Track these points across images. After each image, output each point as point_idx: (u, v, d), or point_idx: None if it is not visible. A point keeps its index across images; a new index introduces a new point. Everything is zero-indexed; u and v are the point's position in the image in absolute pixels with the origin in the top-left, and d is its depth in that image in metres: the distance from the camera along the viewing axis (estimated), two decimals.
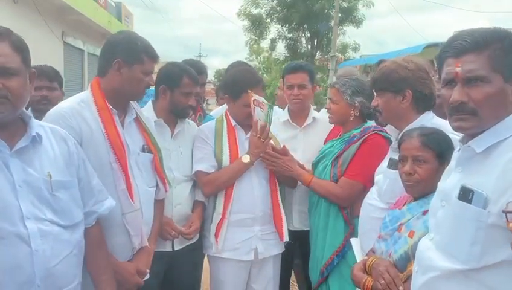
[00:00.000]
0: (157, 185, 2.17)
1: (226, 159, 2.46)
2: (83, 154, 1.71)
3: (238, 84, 2.46)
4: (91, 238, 1.69)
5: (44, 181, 1.49)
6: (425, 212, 1.65)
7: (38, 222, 1.43)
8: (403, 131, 1.92)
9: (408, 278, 1.59)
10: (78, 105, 1.93)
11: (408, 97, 1.97)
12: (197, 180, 2.50)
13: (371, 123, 2.48)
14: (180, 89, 2.39)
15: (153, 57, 2.03)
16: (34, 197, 1.45)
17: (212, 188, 2.46)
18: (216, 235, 2.43)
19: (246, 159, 2.41)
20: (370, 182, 2.27)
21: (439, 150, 1.70)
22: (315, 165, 2.59)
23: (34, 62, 3.01)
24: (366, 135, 2.38)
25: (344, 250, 2.35)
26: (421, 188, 1.74)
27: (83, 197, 1.64)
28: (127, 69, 1.96)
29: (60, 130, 1.67)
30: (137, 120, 2.11)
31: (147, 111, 2.35)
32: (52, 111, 1.91)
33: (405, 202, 1.81)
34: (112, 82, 1.98)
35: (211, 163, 2.46)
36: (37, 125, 1.55)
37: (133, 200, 1.94)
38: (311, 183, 2.47)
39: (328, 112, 2.57)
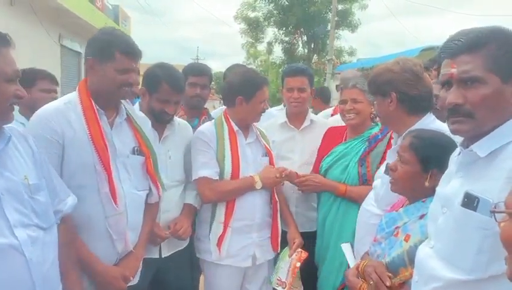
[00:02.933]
0: (150, 189, 2.08)
1: (228, 166, 2.40)
2: (42, 153, 1.60)
3: (251, 83, 2.44)
4: (58, 237, 1.57)
5: (23, 185, 1.41)
6: (422, 216, 1.63)
7: (26, 229, 1.37)
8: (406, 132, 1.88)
9: (404, 283, 1.56)
10: (64, 106, 1.87)
11: (393, 100, 1.94)
12: (199, 185, 2.41)
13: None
14: (157, 95, 2.28)
15: (128, 53, 1.87)
16: (17, 203, 1.37)
17: (215, 198, 2.41)
18: (219, 245, 2.39)
19: (258, 185, 2.41)
20: None
21: (425, 156, 1.66)
22: (328, 169, 2.54)
23: (31, 65, 3.05)
24: (391, 133, 2.31)
25: None
26: (397, 188, 1.75)
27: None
28: (98, 66, 1.88)
29: (17, 128, 1.54)
30: (130, 121, 2.02)
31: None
32: (38, 112, 1.86)
33: (402, 205, 1.79)
34: (90, 81, 1.92)
35: (215, 169, 2.40)
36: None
37: (116, 203, 1.85)
38: (347, 192, 2.43)
39: (350, 112, 2.49)
